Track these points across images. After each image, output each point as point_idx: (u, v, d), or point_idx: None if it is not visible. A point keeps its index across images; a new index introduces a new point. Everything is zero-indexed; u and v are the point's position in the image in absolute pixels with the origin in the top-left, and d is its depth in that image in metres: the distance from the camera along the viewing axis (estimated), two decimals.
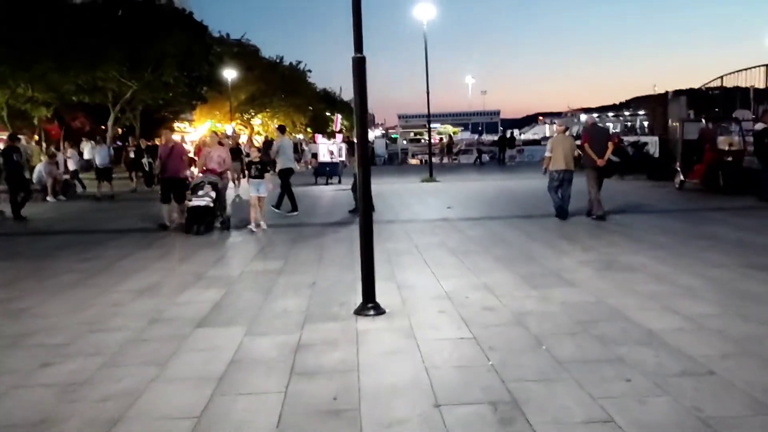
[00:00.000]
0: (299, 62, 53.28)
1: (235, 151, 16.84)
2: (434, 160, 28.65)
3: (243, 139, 31.93)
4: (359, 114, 5.37)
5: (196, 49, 28.69)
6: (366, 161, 5.51)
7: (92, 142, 21.83)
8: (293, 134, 50.02)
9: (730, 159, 14.17)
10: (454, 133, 76.75)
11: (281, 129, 14.10)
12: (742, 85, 22.58)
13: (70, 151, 20.14)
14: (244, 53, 44.00)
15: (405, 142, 58.49)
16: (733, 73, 22.54)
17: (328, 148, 23.88)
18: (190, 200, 10.27)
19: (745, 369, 3.84)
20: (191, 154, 17.32)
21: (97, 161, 17.76)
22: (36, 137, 27.21)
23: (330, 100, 66.53)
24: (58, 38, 22.41)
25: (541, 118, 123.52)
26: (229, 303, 5.83)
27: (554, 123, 18.00)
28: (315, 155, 26.01)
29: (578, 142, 11.21)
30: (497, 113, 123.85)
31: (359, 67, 5.22)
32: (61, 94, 25.66)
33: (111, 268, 7.63)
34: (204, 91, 33.45)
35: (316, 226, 10.85)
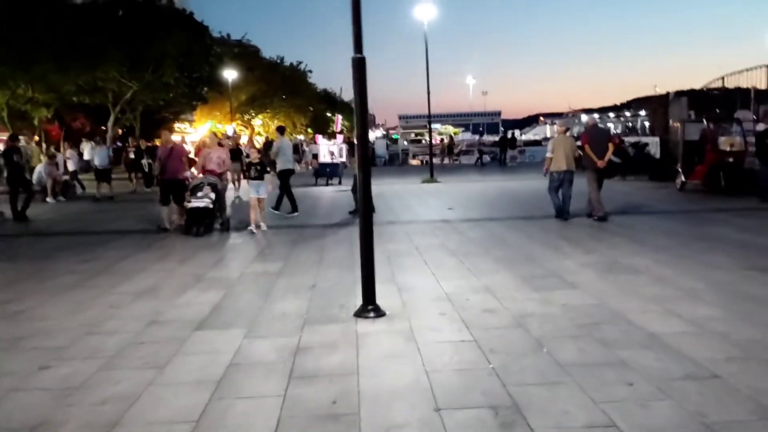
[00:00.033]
0: (300, 63, 53.36)
1: (236, 152, 16.79)
2: (435, 160, 28.63)
3: (244, 140, 31.89)
4: (359, 115, 5.33)
5: (196, 49, 28.68)
6: (366, 162, 5.47)
7: (92, 142, 21.76)
8: (294, 135, 49.98)
9: (731, 160, 14.14)
10: (455, 133, 76.66)
11: (280, 130, 14.08)
12: (743, 85, 22.55)
13: (69, 152, 20.10)
14: (245, 54, 44.02)
15: (406, 142, 58.48)
16: (735, 73, 22.51)
17: (329, 149, 23.83)
18: (189, 202, 10.21)
19: (749, 373, 3.81)
20: (192, 155, 17.30)
21: (96, 162, 17.74)
22: (36, 138, 27.19)
23: (331, 101, 66.54)
24: (58, 38, 22.41)
25: (542, 118, 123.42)
26: (229, 305, 5.80)
27: (555, 123, 17.96)
28: (316, 156, 25.99)
29: (578, 143, 11.18)
30: (498, 114, 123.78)
31: (359, 67, 5.18)
32: (61, 94, 25.66)
33: (110, 269, 7.61)
34: (204, 91, 33.44)
35: (317, 227, 10.82)
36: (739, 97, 22.34)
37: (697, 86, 24.98)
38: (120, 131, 34.06)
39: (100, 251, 8.86)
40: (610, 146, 10.86)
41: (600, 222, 10.20)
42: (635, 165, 19.16)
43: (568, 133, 11.42)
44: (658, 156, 19.70)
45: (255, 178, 10.39)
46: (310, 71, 56.57)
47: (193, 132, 42.89)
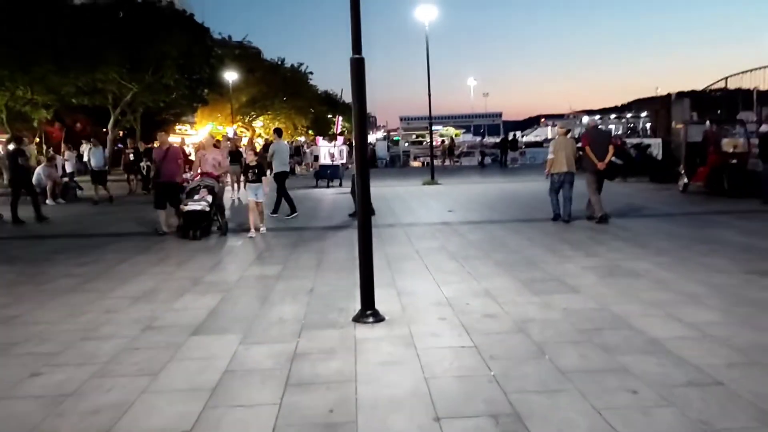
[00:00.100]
0: (301, 64, 53.41)
1: (236, 155, 16.75)
2: (436, 162, 28.56)
3: (245, 142, 31.84)
4: (358, 116, 5.26)
5: (196, 51, 28.66)
6: (364, 165, 5.36)
7: (89, 144, 21.72)
8: (295, 137, 49.93)
9: (734, 161, 14.07)
10: (456, 135, 76.54)
11: (278, 132, 14.06)
12: (746, 86, 22.50)
13: (67, 154, 20.07)
14: (246, 55, 44.02)
15: (407, 144, 58.41)
16: (737, 74, 22.44)
17: (329, 151, 23.75)
18: (186, 205, 10.09)
19: (752, 379, 3.74)
20: (192, 157, 17.23)
21: (93, 163, 17.68)
22: (36, 139, 27.17)
23: (331, 102, 66.53)
24: (58, 39, 22.40)
25: (543, 120, 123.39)
26: (226, 310, 5.74)
27: (556, 125, 17.91)
28: (316, 158, 25.91)
29: (579, 145, 11.12)
30: (499, 115, 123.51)
31: (358, 68, 5.11)
32: (61, 96, 25.63)
33: (108, 272, 7.55)
34: (205, 93, 33.43)
35: (316, 229, 10.75)
36: (742, 98, 22.29)
37: (698, 87, 24.99)
38: (121, 133, 34.02)
39: (98, 254, 8.81)
40: (611, 148, 10.78)
41: (601, 224, 10.13)
42: (637, 166, 19.10)
43: (569, 135, 11.36)
44: (660, 157, 19.64)
45: (253, 181, 10.31)
46: (311, 73, 56.61)
47: (194, 134, 42.85)
